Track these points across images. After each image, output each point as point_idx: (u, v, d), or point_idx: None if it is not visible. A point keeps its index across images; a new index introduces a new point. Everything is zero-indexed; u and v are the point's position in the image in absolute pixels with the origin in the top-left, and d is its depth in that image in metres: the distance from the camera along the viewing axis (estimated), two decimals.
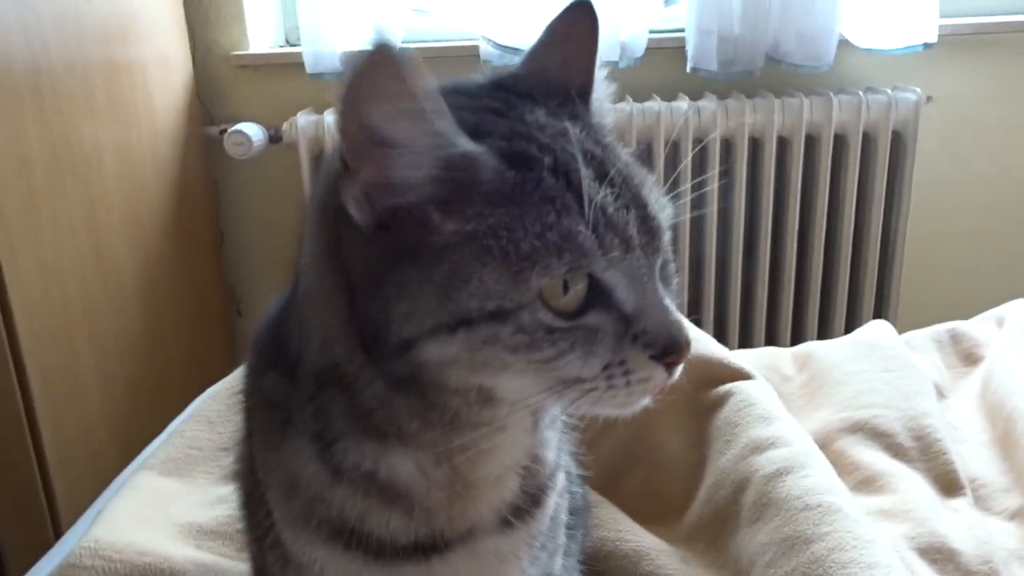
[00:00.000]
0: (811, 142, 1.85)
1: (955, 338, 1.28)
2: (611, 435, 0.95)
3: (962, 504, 0.97)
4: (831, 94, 1.80)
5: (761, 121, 1.81)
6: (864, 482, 0.97)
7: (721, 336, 1.88)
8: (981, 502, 0.99)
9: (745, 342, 1.96)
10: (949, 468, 1.00)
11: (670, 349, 0.46)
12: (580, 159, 0.45)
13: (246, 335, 1.91)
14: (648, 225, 0.47)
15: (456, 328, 0.44)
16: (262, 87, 1.88)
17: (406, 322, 0.45)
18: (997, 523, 0.94)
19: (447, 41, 1.87)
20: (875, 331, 1.26)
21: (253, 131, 1.80)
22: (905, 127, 1.84)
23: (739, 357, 1.08)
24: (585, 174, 0.45)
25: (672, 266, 0.51)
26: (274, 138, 1.84)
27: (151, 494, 0.93)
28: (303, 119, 1.79)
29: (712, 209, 1.84)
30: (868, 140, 1.85)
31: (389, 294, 0.45)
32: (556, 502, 0.60)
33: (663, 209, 0.48)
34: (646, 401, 0.49)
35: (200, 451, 1.03)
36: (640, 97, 1.81)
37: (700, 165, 1.84)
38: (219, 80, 1.88)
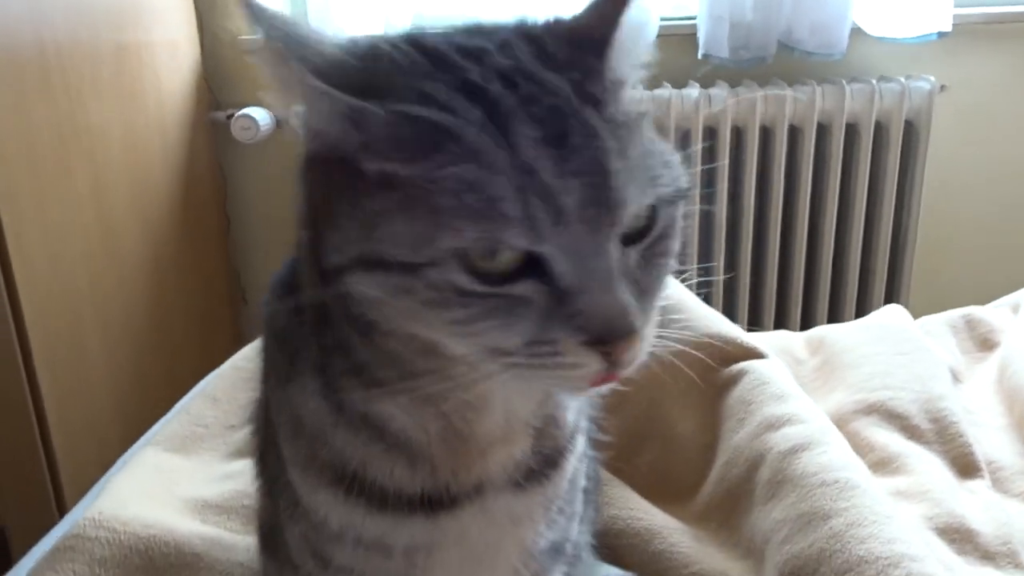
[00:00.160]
0: (823, 131, 1.83)
1: (970, 323, 1.27)
2: (621, 414, 0.93)
3: (979, 486, 0.95)
4: (844, 82, 1.79)
5: (772, 109, 1.79)
6: (880, 463, 0.95)
7: None
8: (999, 484, 0.97)
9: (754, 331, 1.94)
10: (966, 450, 0.98)
11: (604, 337, 0.42)
12: (525, 115, 0.41)
13: (252, 321, 1.90)
14: (601, 196, 0.41)
15: (374, 268, 0.43)
16: None
17: (336, 252, 0.44)
18: (1016, 505, 0.92)
19: None
20: (890, 315, 1.25)
21: (260, 115, 1.79)
22: (918, 117, 1.82)
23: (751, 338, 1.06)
24: (525, 132, 0.41)
25: (666, 246, 0.46)
26: (281, 123, 1.83)
27: (156, 469, 0.92)
28: None
29: (722, 197, 1.82)
30: (880, 129, 1.83)
31: (329, 222, 0.45)
32: (575, 466, 0.59)
33: (634, 181, 0.43)
34: (588, 388, 0.45)
35: (206, 428, 1.02)
36: (650, 84, 1.79)
37: (710, 153, 1.83)
38: (227, 65, 1.87)
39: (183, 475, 0.93)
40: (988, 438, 1.03)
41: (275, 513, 0.61)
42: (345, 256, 0.44)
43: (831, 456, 0.83)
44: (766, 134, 1.83)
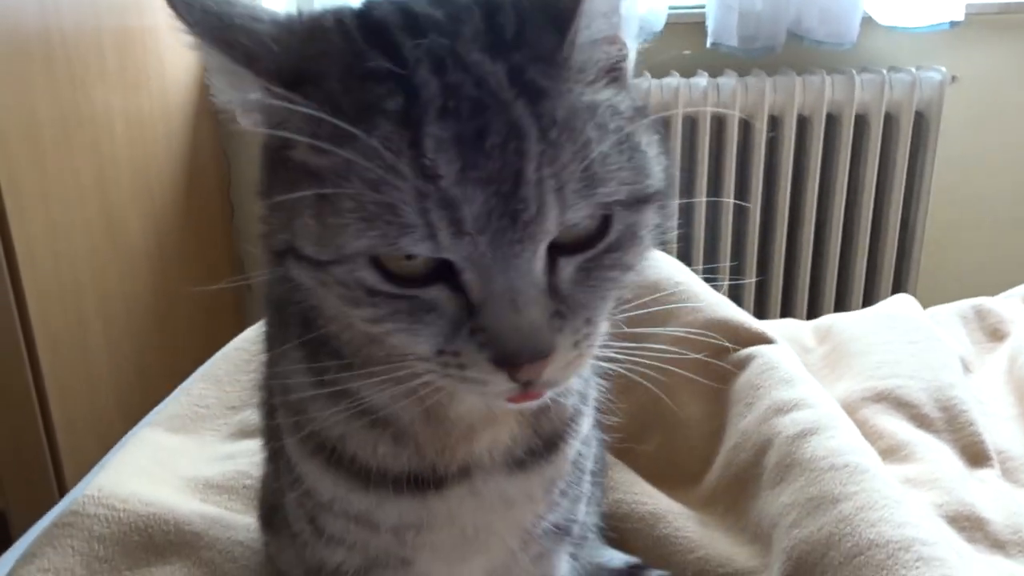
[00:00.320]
0: (832, 121, 1.82)
1: (980, 314, 1.26)
2: (627, 399, 0.92)
3: (989, 475, 0.94)
4: (854, 72, 1.77)
5: (781, 99, 1.78)
6: (889, 451, 0.94)
7: None
8: (1008, 474, 0.96)
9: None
10: (976, 439, 0.97)
11: (503, 359, 0.39)
12: (441, 108, 0.38)
13: (255, 308, 1.89)
14: (511, 206, 0.37)
15: (300, 258, 0.42)
16: None
17: (275, 236, 0.43)
18: None
19: None
20: (899, 304, 1.24)
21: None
22: (929, 108, 1.80)
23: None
24: (434, 131, 0.37)
25: (617, 257, 0.42)
26: None
27: (157, 449, 0.91)
28: None
29: (730, 187, 1.81)
30: (890, 120, 1.81)
31: (272, 204, 0.44)
32: (579, 449, 0.57)
33: (567, 187, 0.38)
34: (506, 404, 0.43)
35: (207, 409, 1.01)
36: (658, 73, 1.78)
37: (718, 142, 1.82)
38: None
39: (184, 455, 0.92)
40: (998, 428, 1.02)
41: (275, 480, 0.60)
42: (280, 241, 0.43)
43: (840, 440, 0.81)
44: (775, 124, 1.82)
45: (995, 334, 1.23)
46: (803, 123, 1.82)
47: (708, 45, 1.77)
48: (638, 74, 0.48)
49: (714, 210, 1.84)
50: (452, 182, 0.37)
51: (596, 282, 0.42)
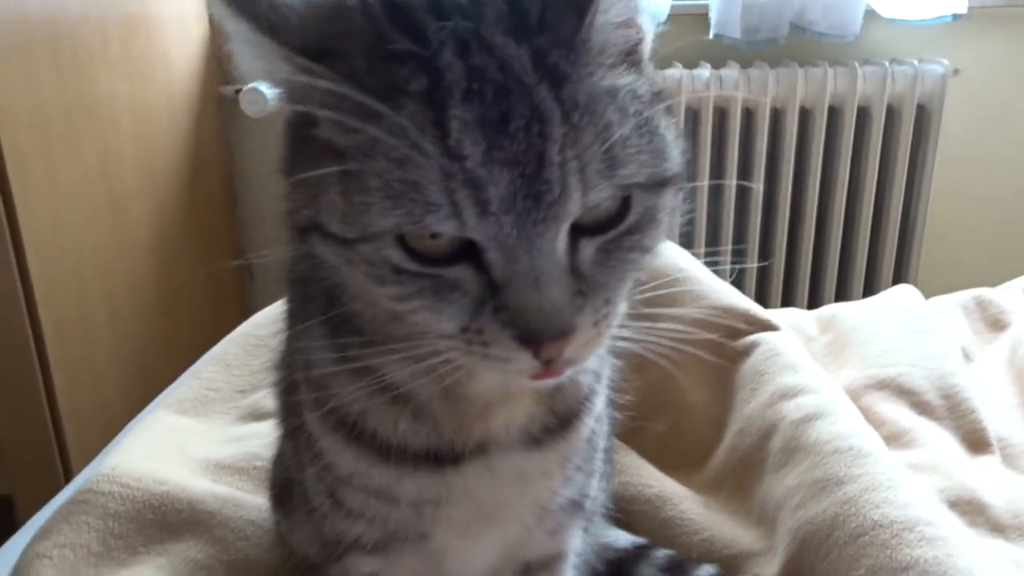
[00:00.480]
0: (834, 113, 1.83)
1: (981, 304, 1.27)
2: (639, 377, 0.93)
3: (990, 461, 0.95)
4: (856, 65, 1.78)
5: (784, 90, 1.78)
6: (891, 437, 0.95)
7: None
8: (1009, 461, 0.97)
9: None
10: (978, 426, 0.98)
11: (530, 336, 0.40)
12: (466, 91, 0.38)
13: (259, 296, 1.89)
14: (535, 188, 0.38)
15: (325, 235, 0.42)
16: None
17: (298, 212, 0.44)
18: None
19: None
20: (901, 294, 1.25)
21: (269, 89, 1.77)
22: (931, 100, 1.81)
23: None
24: (459, 113, 0.38)
25: (637, 240, 0.43)
26: None
27: (168, 430, 0.92)
28: None
29: (732, 177, 1.82)
30: (892, 113, 1.82)
31: (296, 181, 0.44)
32: (592, 427, 0.58)
33: (589, 169, 0.39)
34: (528, 382, 0.44)
35: (216, 392, 1.02)
36: (661, 64, 1.78)
37: (721, 134, 1.82)
38: None
39: (194, 436, 0.93)
40: (998, 416, 1.03)
41: (294, 456, 0.61)
42: (304, 218, 0.43)
43: (844, 425, 0.82)
44: (777, 115, 1.82)
45: (996, 324, 1.24)
46: (805, 115, 1.83)
47: (711, 36, 1.78)
48: None
49: (716, 201, 1.85)
50: (477, 163, 0.38)
51: (616, 263, 0.43)
